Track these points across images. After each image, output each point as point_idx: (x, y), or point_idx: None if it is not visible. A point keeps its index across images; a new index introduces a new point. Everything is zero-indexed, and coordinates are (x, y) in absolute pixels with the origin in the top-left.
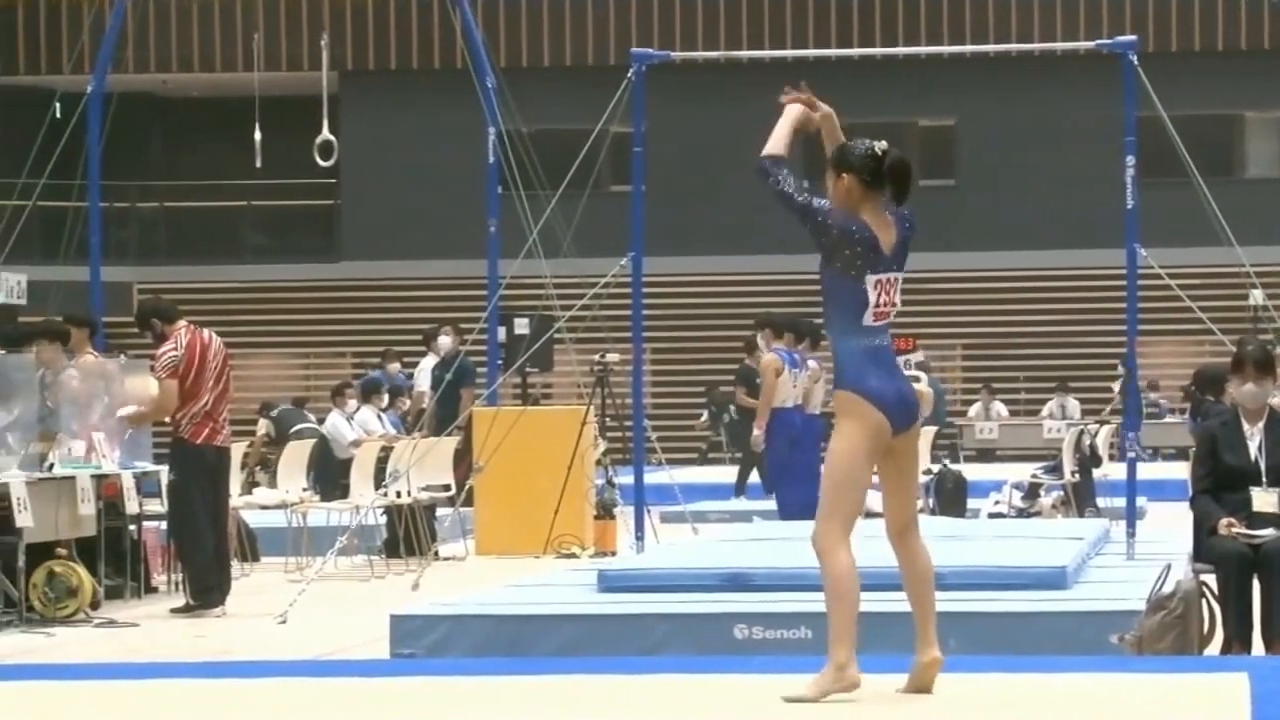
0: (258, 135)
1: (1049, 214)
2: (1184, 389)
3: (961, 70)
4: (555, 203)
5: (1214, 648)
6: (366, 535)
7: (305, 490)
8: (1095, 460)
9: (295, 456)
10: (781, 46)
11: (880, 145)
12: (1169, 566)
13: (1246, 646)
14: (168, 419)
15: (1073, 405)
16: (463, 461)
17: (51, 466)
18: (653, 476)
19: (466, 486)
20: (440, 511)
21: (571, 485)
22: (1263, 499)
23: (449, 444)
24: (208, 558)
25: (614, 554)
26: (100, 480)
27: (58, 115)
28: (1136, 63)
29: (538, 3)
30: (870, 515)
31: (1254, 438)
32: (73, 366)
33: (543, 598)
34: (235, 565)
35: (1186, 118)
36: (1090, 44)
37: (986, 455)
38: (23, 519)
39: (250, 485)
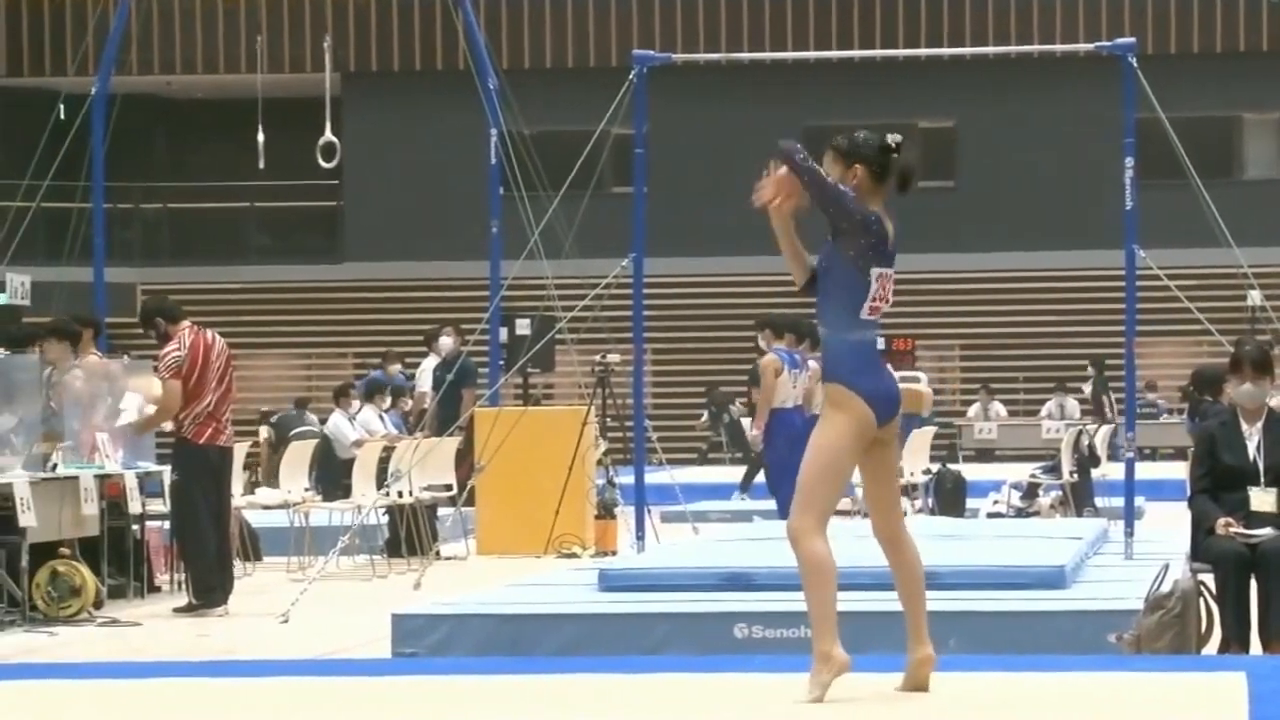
0: (261, 137)
1: (1048, 215)
2: (1182, 389)
3: (961, 72)
4: (557, 204)
5: (1212, 647)
6: (368, 535)
7: (307, 490)
8: (1094, 460)
9: (297, 457)
10: (782, 49)
11: (893, 138)
12: (1167, 566)
13: (1244, 646)
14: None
15: (1071, 405)
16: (464, 461)
17: (55, 466)
18: (653, 476)
19: (468, 486)
20: (442, 511)
21: (572, 485)
22: (1261, 499)
23: (450, 444)
24: (210, 557)
25: (615, 554)
26: (103, 480)
27: (62, 117)
28: (1135, 64)
29: (540, 4)
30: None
31: (1252, 438)
32: (77, 366)
33: (544, 597)
34: (237, 565)
35: (1185, 119)
36: (1089, 46)
37: (985, 455)
38: (26, 519)
39: (253, 485)
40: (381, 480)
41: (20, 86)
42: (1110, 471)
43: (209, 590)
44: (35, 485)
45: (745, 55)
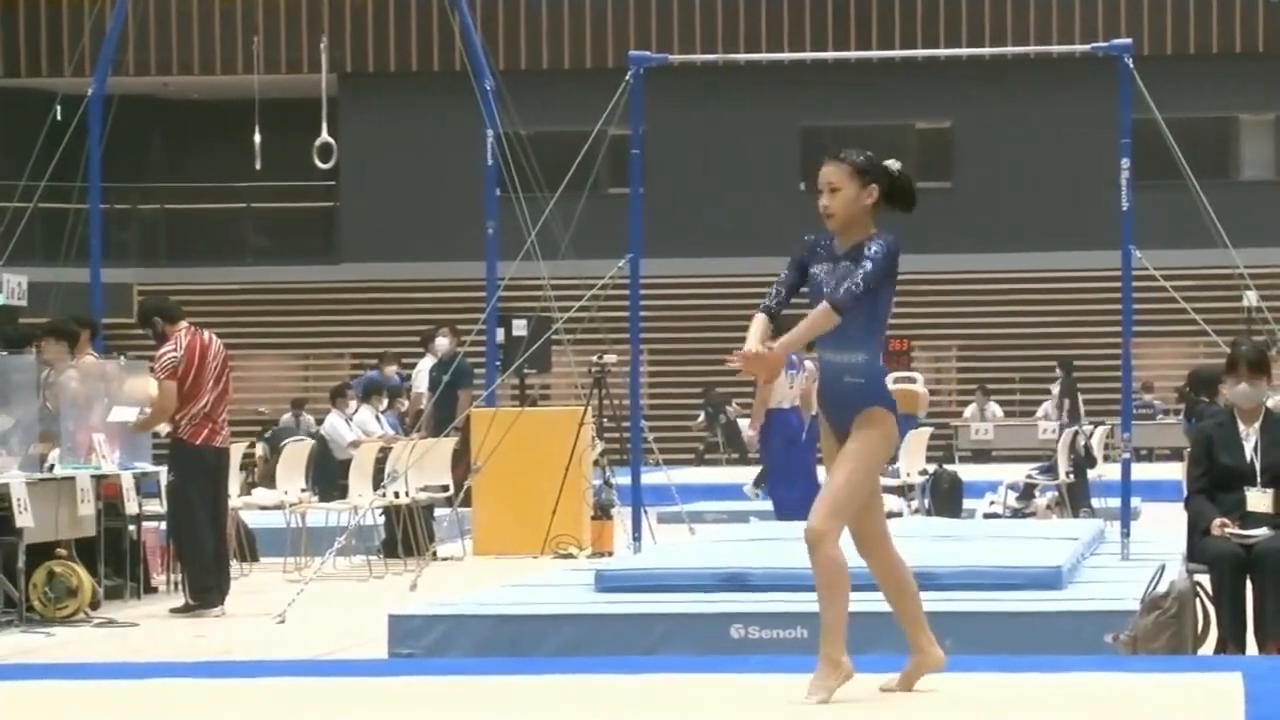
0: (257, 137)
1: (1045, 216)
2: (1178, 390)
3: (958, 73)
4: (553, 205)
5: (1208, 647)
6: (365, 535)
7: (304, 491)
8: (1090, 461)
9: (294, 457)
10: (779, 50)
11: (895, 165)
12: (1163, 567)
13: (1240, 646)
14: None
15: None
16: (461, 462)
17: (52, 467)
18: (650, 477)
19: (464, 487)
20: (438, 512)
21: (569, 486)
22: (1257, 499)
23: (447, 445)
24: (207, 558)
25: (611, 554)
26: (100, 481)
27: (59, 118)
28: (1131, 65)
29: (536, 6)
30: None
31: (1249, 438)
32: (73, 367)
33: (540, 598)
34: (234, 565)
35: (1181, 120)
36: (1085, 47)
37: (982, 456)
38: (23, 519)
39: (249, 486)
40: (378, 481)
41: (17, 87)
42: (1106, 472)
43: (206, 591)
44: (32, 486)
45: (741, 56)
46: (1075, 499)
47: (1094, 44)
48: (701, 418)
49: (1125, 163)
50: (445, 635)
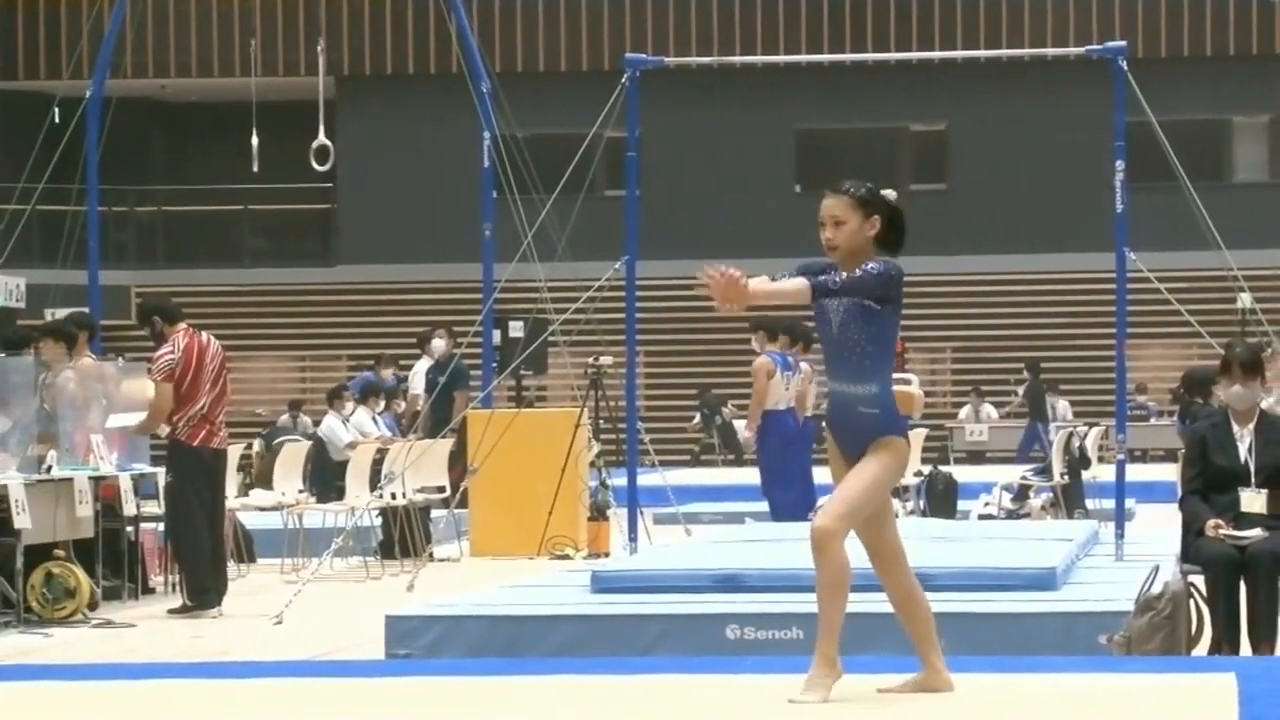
0: (255, 140)
1: (1039, 218)
2: (1172, 391)
3: (953, 76)
4: (550, 207)
5: (1202, 648)
6: (362, 536)
7: (301, 492)
8: (1084, 462)
9: (291, 459)
10: (774, 52)
11: (892, 195)
12: (1157, 568)
13: (1234, 647)
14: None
15: (1062, 407)
16: (457, 463)
17: (50, 468)
18: (646, 478)
19: (461, 488)
20: (435, 513)
21: (565, 487)
22: (1252, 500)
23: (444, 446)
24: (204, 559)
25: (607, 555)
26: (98, 482)
27: (57, 120)
28: (1126, 68)
29: (533, 8)
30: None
31: (1244, 439)
32: (71, 369)
33: (537, 599)
34: (232, 566)
35: (1175, 122)
36: (1080, 50)
37: (976, 457)
38: (21, 520)
39: (247, 487)
40: (375, 482)
41: (15, 90)
42: (1101, 473)
43: (203, 592)
44: (30, 487)
45: (737, 59)
46: (1070, 500)
47: (1088, 46)
48: (697, 419)
49: (1120, 165)
50: (442, 636)
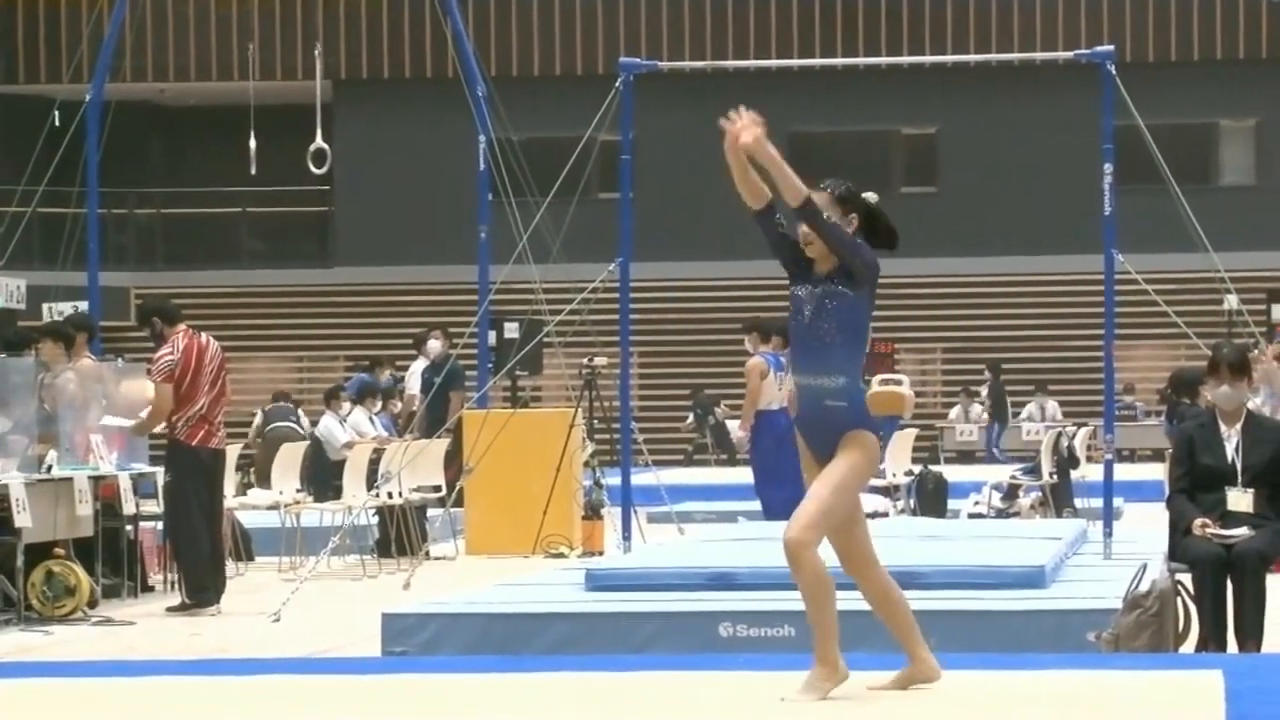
0: (253, 143)
1: (1028, 220)
2: (1160, 392)
3: (943, 80)
4: (545, 209)
5: (1189, 645)
6: (359, 535)
7: (299, 491)
8: (1073, 462)
9: (289, 458)
10: (767, 56)
11: (872, 197)
12: (1145, 566)
13: (1221, 644)
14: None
15: (1052, 407)
16: (453, 463)
17: (50, 468)
18: (639, 478)
19: (457, 487)
20: (431, 512)
21: (560, 486)
22: (1238, 499)
23: (439, 446)
24: (203, 557)
25: (601, 554)
26: (97, 481)
27: (57, 123)
28: (1114, 72)
29: (528, 12)
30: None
31: (1231, 439)
32: (71, 369)
33: (532, 597)
34: (230, 565)
35: (1163, 126)
36: (1069, 54)
37: (966, 457)
38: (21, 519)
39: (245, 486)
40: (371, 481)
41: (16, 93)
42: (1089, 473)
43: (202, 590)
44: (30, 486)
45: (730, 63)
46: (1058, 499)
47: (1077, 51)
48: (690, 419)
49: (1108, 168)
50: (438, 634)
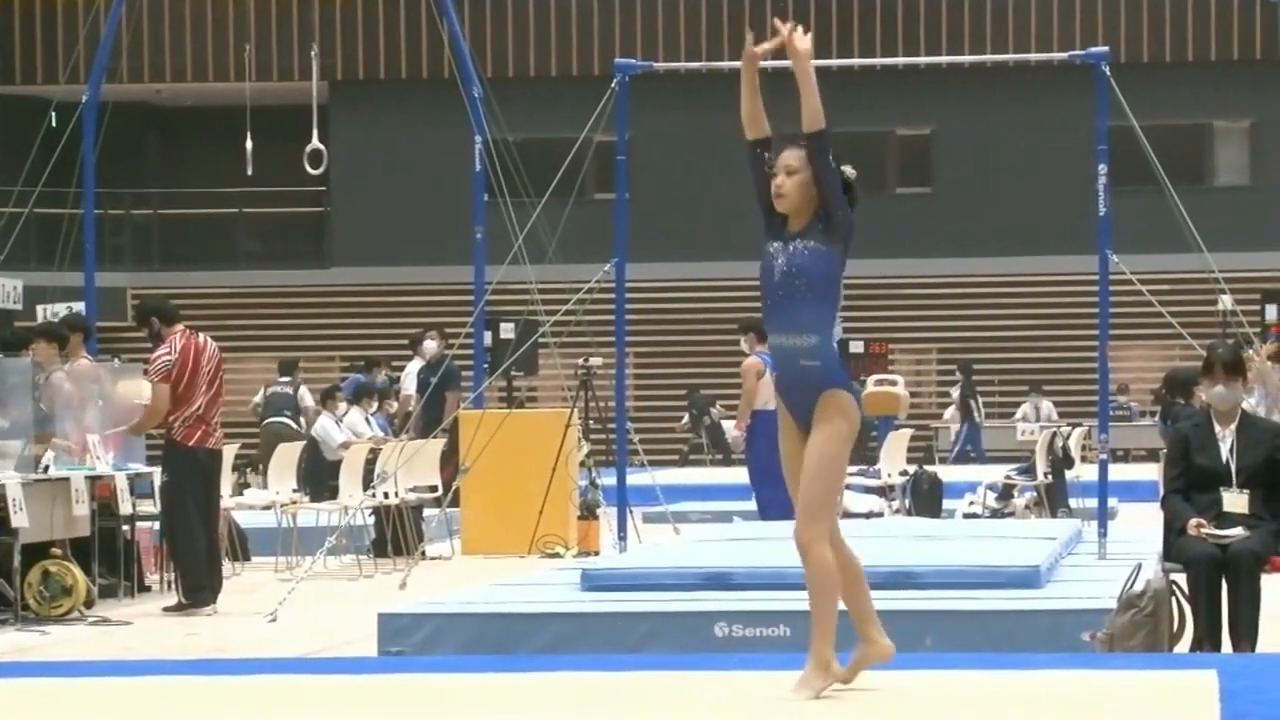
0: (249, 144)
1: (1023, 220)
2: (1154, 392)
3: (938, 81)
4: (540, 210)
5: (1183, 645)
6: (355, 535)
7: (295, 491)
8: (1068, 462)
9: (285, 459)
10: None
11: (850, 172)
12: (1139, 566)
13: (1215, 644)
14: (159, 424)
15: (1046, 407)
16: (449, 463)
17: (47, 468)
18: (635, 478)
19: (453, 487)
20: (427, 512)
21: (556, 486)
22: (1233, 500)
23: (435, 446)
24: (199, 557)
25: (597, 554)
26: (94, 481)
27: (53, 124)
28: (1108, 73)
29: (523, 14)
30: (848, 515)
31: (1225, 439)
32: (65, 369)
33: (528, 597)
34: (226, 565)
35: (1157, 127)
36: (1063, 55)
37: (961, 457)
38: (18, 519)
39: (241, 486)
40: (368, 481)
41: (12, 94)
42: (1084, 473)
43: (198, 590)
44: (27, 486)
45: (725, 64)
46: (1053, 499)
47: (1071, 52)
48: (686, 419)
49: (1102, 169)
50: (434, 633)
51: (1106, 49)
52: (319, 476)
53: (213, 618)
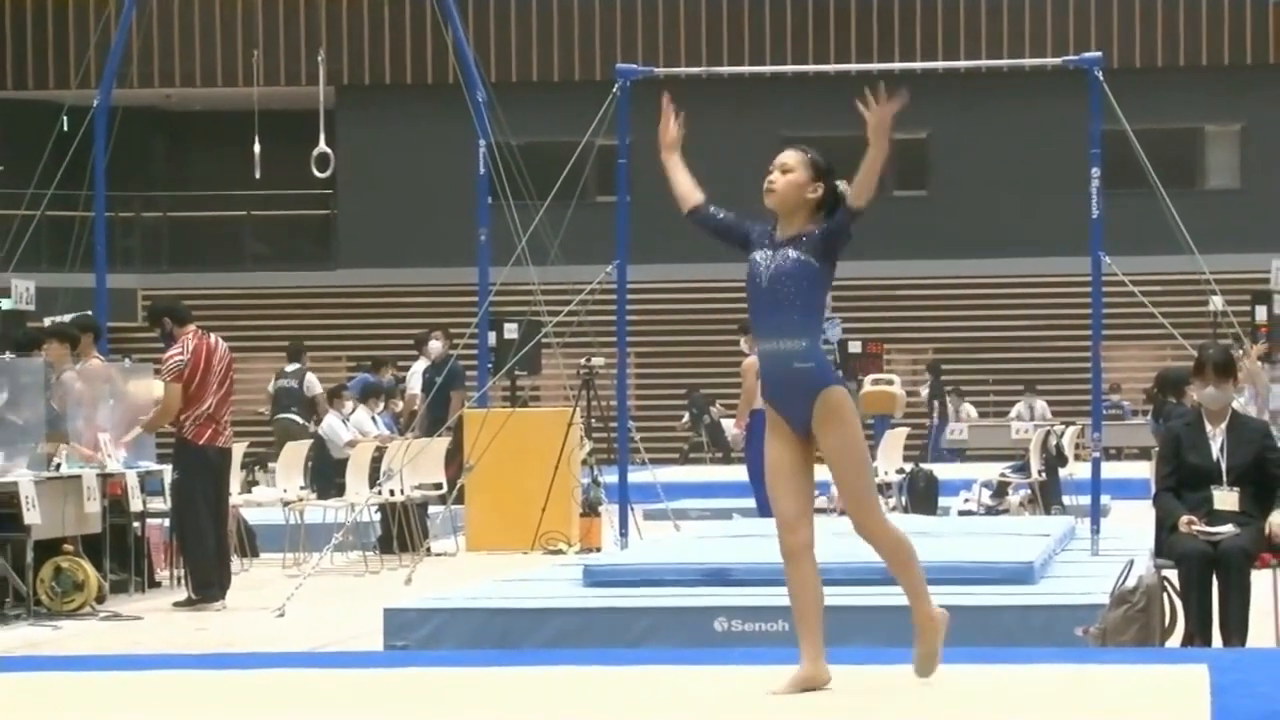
0: (257, 147)
1: (1017, 223)
2: (1146, 391)
3: (934, 86)
4: (543, 212)
5: (1175, 640)
6: (361, 532)
7: (302, 489)
8: (1061, 460)
9: (293, 456)
10: (761, 63)
11: (845, 187)
12: (1132, 562)
13: (1206, 639)
14: (170, 423)
15: (1040, 407)
16: (453, 461)
17: (59, 466)
18: (636, 475)
19: (457, 485)
20: (432, 509)
21: (558, 484)
22: (1224, 498)
23: (440, 444)
24: (209, 554)
25: (599, 550)
26: (105, 479)
27: (65, 128)
28: (1101, 78)
29: (527, 20)
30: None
31: (1216, 438)
32: (77, 369)
33: (531, 592)
34: (235, 561)
35: (1149, 131)
36: (1057, 60)
37: (957, 455)
38: (31, 516)
39: (250, 484)
40: (374, 479)
41: (25, 99)
42: (1077, 471)
43: (207, 585)
44: (40, 484)
45: (725, 69)
46: (1047, 497)
47: (1065, 57)
48: (686, 418)
49: (1095, 172)
50: (438, 628)
51: (1099, 54)
52: (326, 474)
53: (222, 613)
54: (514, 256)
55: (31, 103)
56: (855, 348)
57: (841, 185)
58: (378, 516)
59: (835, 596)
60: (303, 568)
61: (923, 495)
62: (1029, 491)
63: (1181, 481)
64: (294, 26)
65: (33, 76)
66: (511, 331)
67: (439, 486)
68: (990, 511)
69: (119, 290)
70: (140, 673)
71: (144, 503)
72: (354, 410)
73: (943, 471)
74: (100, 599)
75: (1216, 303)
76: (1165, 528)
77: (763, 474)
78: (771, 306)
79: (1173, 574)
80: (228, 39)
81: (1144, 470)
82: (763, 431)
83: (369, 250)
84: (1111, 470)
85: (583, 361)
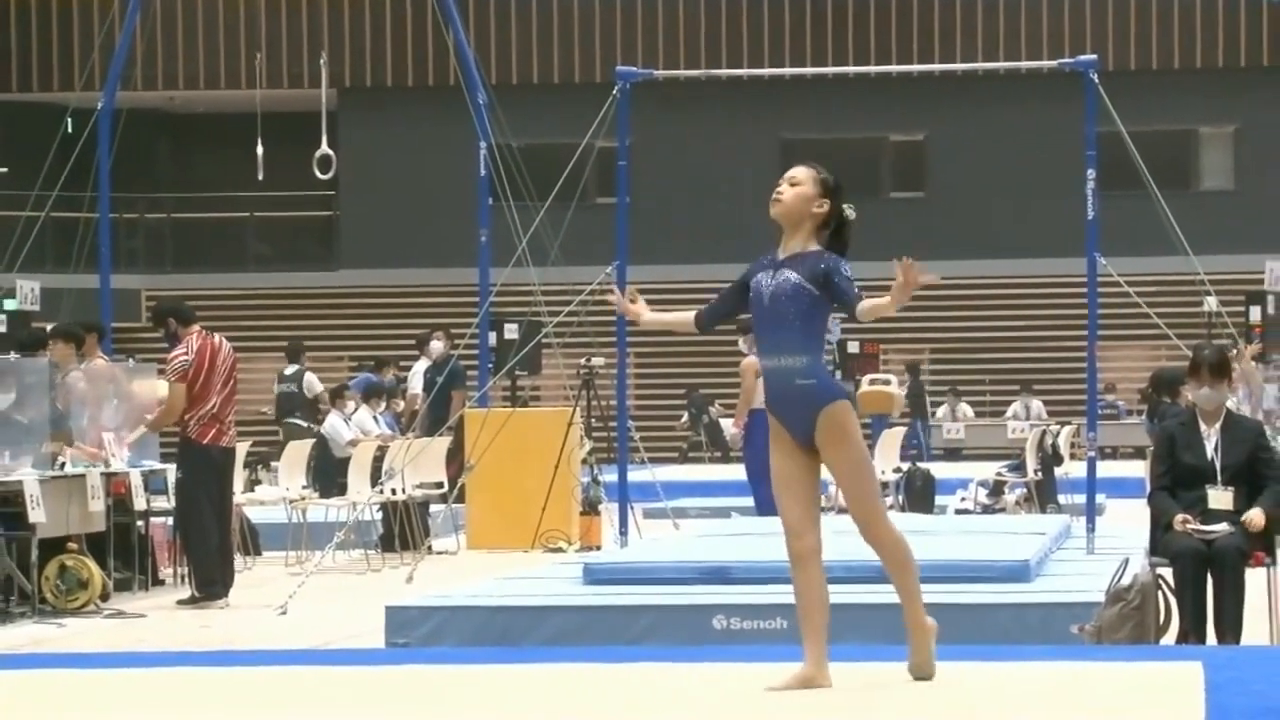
0: (260, 149)
1: (1013, 224)
2: (1141, 391)
3: (931, 88)
4: (543, 214)
5: (1169, 638)
6: (363, 530)
7: (305, 488)
8: (1057, 459)
9: (295, 456)
10: (759, 65)
11: (850, 212)
12: (1127, 560)
13: (1200, 637)
14: (174, 423)
15: (1036, 406)
16: (454, 460)
17: (63, 465)
18: (636, 474)
19: (458, 484)
20: (433, 508)
21: (558, 483)
22: (1218, 497)
23: (441, 444)
24: (212, 552)
25: (599, 548)
26: (109, 478)
27: (69, 130)
28: (1097, 80)
29: (527, 22)
30: (844, 511)
31: (1210, 438)
32: (82, 369)
33: (531, 590)
34: (238, 559)
35: (1144, 133)
36: (1053, 63)
37: (953, 454)
38: (36, 515)
39: (253, 483)
40: (376, 478)
41: (30, 101)
42: (1073, 470)
43: (211, 583)
44: (44, 483)
45: (724, 71)
46: (1043, 495)
47: (1061, 60)
48: (685, 418)
49: (1091, 173)
50: (440, 626)
51: (1095, 57)
52: (328, 473)
53: (225, 611)
54: (514, 257)
55: (36, 105)
56: (853, 348)
57: (848, 209)
58: (379, 515)
59: (835, 594)
60: (305, 566)
61: (920, 494)
62: (1025, 490)
63: (1176, 481)
64: (296, 29)
65: (37, 79)
66: (512, 332)
67: (440, 485)
68: (986, 510)
69: (123, 291)
70: (144, 670)
71: (148, 501)
72: (356, 410)
73: (940, 471)
74: (104, 597)
75: (1211, 303)
76: (1160, 526)
77: (761, 473)
78: (773, 324)
79: (1168, 572)
80: (231, 42)
81: (1139, 469)
82: (762, 431)
83: (371, 251)
84: (1107, 469)
85: (583, 361)
